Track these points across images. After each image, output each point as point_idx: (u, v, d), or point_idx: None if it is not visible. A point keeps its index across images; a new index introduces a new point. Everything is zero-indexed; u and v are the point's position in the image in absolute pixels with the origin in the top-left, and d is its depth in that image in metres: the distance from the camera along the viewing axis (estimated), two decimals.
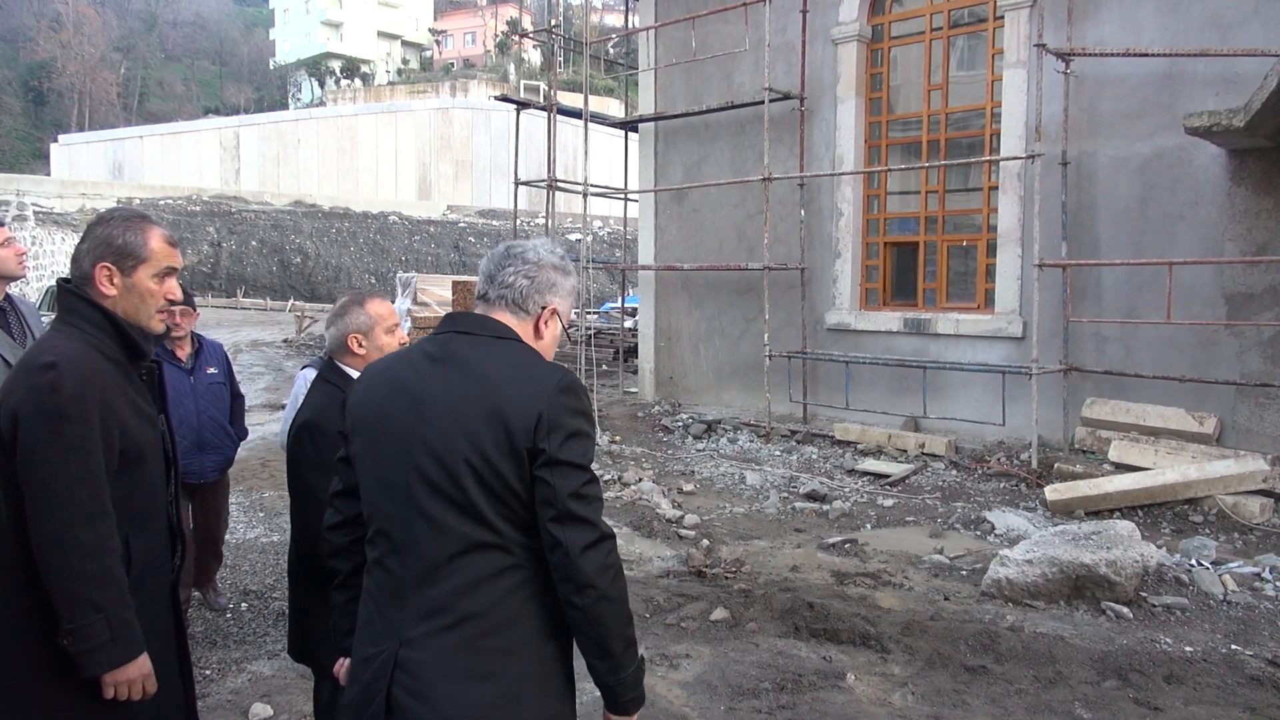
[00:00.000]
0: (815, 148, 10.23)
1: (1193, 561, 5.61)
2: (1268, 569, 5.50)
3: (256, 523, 6.73)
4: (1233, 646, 4.46)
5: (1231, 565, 5.61)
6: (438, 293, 18.77)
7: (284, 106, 67.31)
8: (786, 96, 10.07)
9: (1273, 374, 7.35)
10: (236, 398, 4.85)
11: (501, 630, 1.70)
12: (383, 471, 1.77)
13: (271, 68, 75.79)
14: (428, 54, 75.35)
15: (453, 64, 70.35)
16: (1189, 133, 7.05)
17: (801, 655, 4.39)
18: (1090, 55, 8.02)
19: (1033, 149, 8.05)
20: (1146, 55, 7.76)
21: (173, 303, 2.24)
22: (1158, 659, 4.24)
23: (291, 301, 32.82)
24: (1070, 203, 8.30)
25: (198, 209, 35.55)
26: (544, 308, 1.86)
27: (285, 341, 20.62)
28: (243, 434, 4.91)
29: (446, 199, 44.07)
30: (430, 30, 75.76)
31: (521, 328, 1.85)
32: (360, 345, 2.80)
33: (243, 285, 34.26)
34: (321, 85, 68.34)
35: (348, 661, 1.95)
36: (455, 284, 19.42)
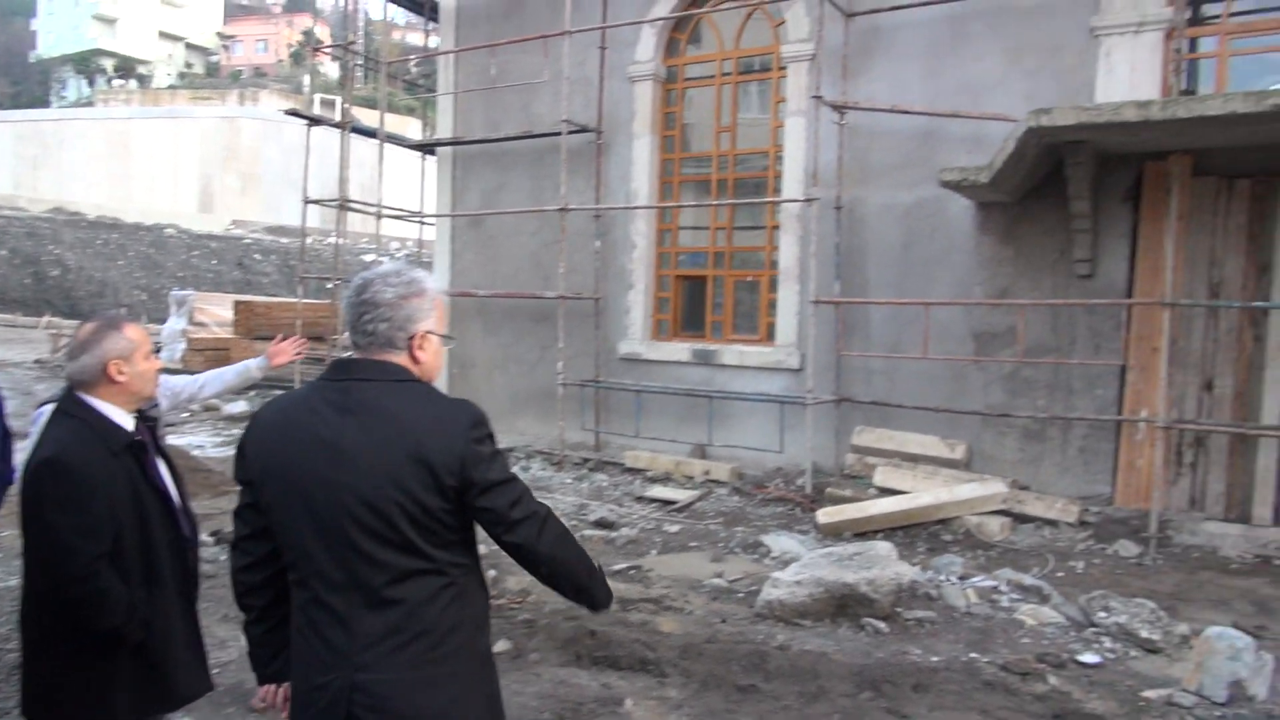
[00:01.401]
0: (611, 181, 10.48)
1: (942, 577, 6.12)
2: (1003, 582, 6.08)
3: None
4: (971, 655, 4.91)
5: (974, 580, 6.16)
6: (217, 313, 17.72)
7: (46, 104, 61.56)
8: (584, 129, 10.27)
9: (1011, 405, 8.17)
10: (6, 435, 4.10)
11: (444, 640, 1.92)
12: (313, 518, 1.89)
13: (32, 60, 69.19)
14: (215, 59, 71.19)
15: (242, 71, 66.83)
16: (943, 185, 7.76)
17: (582, 683, 4.45)
18: (861, 109, 8.69)
19: (810, 193, 8.61)
20: (909, 113, 8.48)
21: None
22: (907, 669, 4.60)
23: (46, 318, 29.89)
24: (843, 244, 8.92)
25: None
26: (411, 337, 1.98)
27: (37, 362, 18.76)
28: (9, 478, 3.83)
29: (232, 212, 41.65)
30: (218, 35, 71.68)
31: (403, 360, 1.98)
32: (121, 372, 2.61)
33: None
34: (91, 84, 63.06)
35: (274, 687, 2.13)
36: (237, 304, 18.43)
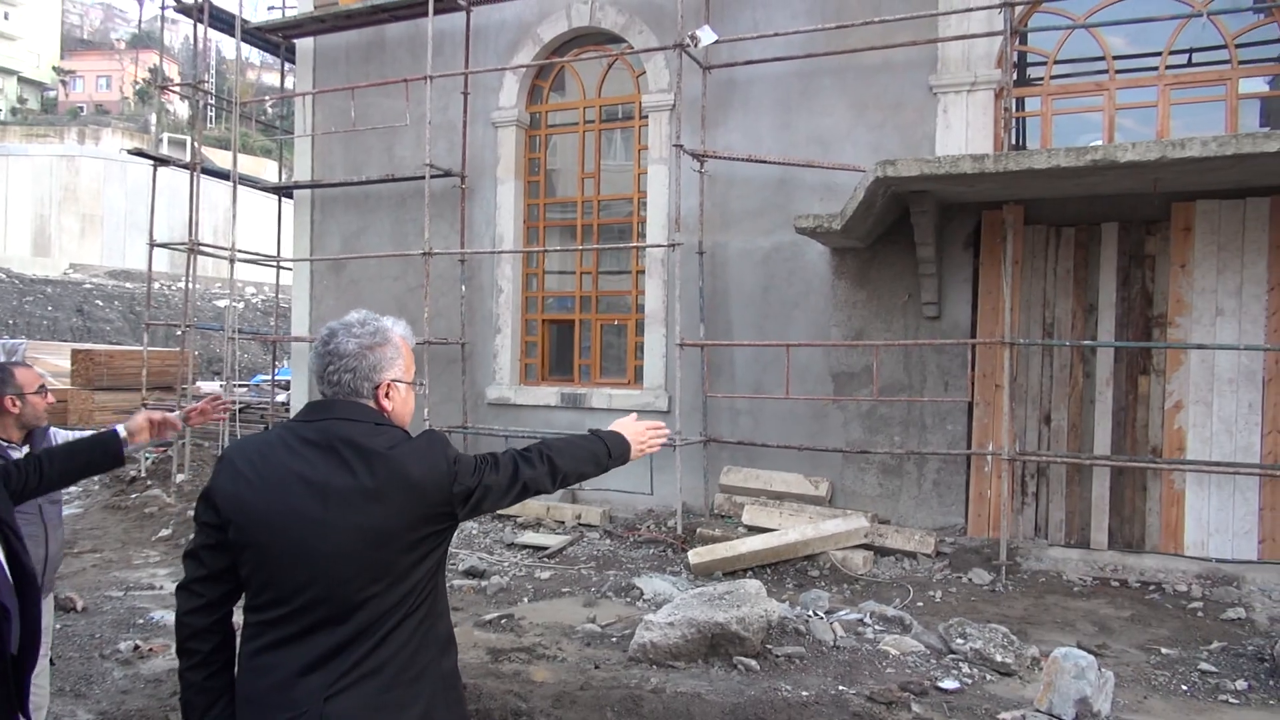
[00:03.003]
0: (476, 225, 10.43)
1: (810, 612, 6.26)
2: (868, 614, 6.27)
3: None
4: (840, 687, 5.03)
5: (840, 613, 6.33)
6: (53, 363, 16.61)
7: None
8: (448, 174, 10.21)
9: (870, 442, 8.49)
10: None
11: (412, 663, 1.98)
12: (298, 557, 1.91)
13: None
14: (51, 94, 67.31)
15: (81, 108, 63.38)
16: (799, 232, 8.06)
17: None
18: (720, 158, 8.97)
19: (674, 238, 8.79)
20: (765, 162, 8.81)
21: None
22: (779, 706, 4.67)
23: None
24: (706, 288, 9.13)
25: None
26: (377, 387, 2.06)
27: None
28: None
29: (70, 256, 39.23)
30: (55, 69, 67.89)
31: (371, 406, 2.06)
32: (15, 404, 2.66)
33: None
34: None
35: None
36: (75, 353, 17.30)
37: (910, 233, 7.92)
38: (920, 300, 8.29)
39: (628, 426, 2.49)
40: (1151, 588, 7.13)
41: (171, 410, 3.41)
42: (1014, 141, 8.35)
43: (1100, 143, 7.70)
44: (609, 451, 2.41)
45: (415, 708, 1.98)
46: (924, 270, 8.10)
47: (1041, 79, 8.38)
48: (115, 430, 3.12)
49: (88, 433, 3.41)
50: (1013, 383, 7.70)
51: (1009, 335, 7.57)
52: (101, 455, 3.07)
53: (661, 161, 9.42)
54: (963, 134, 8.23)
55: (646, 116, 9.67)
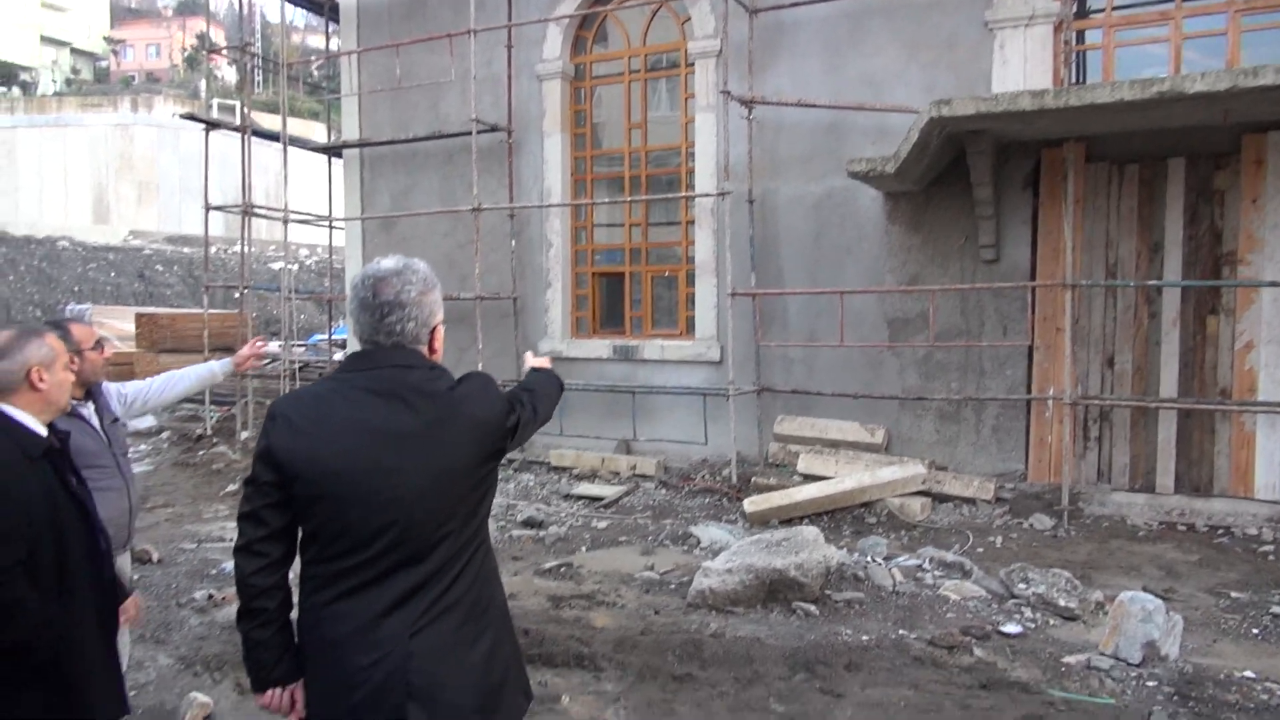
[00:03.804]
0: (524, 180, 10.41)
1: (868, 559, 6.25)
2: (927, 560, 6.24)
3: None
4: (900, 632, 5.02)
5: (899, 559, 6.31)
6: (118, 326, 17.05)
7: None
8: (494, 128, 10.18)
9: (926, 388, 8.39)
10: None
11: (481, 597, 2.09)
12: (371, 504, 1.95)
13: None
14: (103, 64, 68.31)
15: (133, 77, 64.27)
16: (851, 176, 7.92)
17: None
18: (768, 104, 8.81)
19: (723, 187, 8.68)
20: (815, 106, 8.63)
21: None
22: (839, 649, 4.68)
23: None
24: (757, 236, 9.03)
25: None
26: (432, 330, 2.13)
27: None
28: None
29: (129, 223, 40.03)
30: (106, 39, 68.81)
31: (423, 351, 2.12)
32: (42, 379, 2.52)
33: None
34: None
35: (280, 690, 2.11)
36: (139, 317, 17.72)
37: (966, 174, 7.73)
38: (977, 243, 8.11)
39: (537, 362, 2.71)
40: (1220, 531, 6.98)
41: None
42: (1074, 77, 8.08)
43: (1166, 74, 7.41)
44: (559, 382, 2.64)
45: (486, 638, 2.09)
46: (981, 212, 7.91)
47: (1103, 10, 8.06)
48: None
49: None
50: (1074, 325, 7.53)
51: (1070, 277, 7.39)
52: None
53: (709, 109, 9.28)
54: (1020, 70, 7.96)
55: (692, 64, 9.52)
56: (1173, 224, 7.52)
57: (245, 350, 4.05)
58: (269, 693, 2.13)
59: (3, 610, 2.27)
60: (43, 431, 2.52)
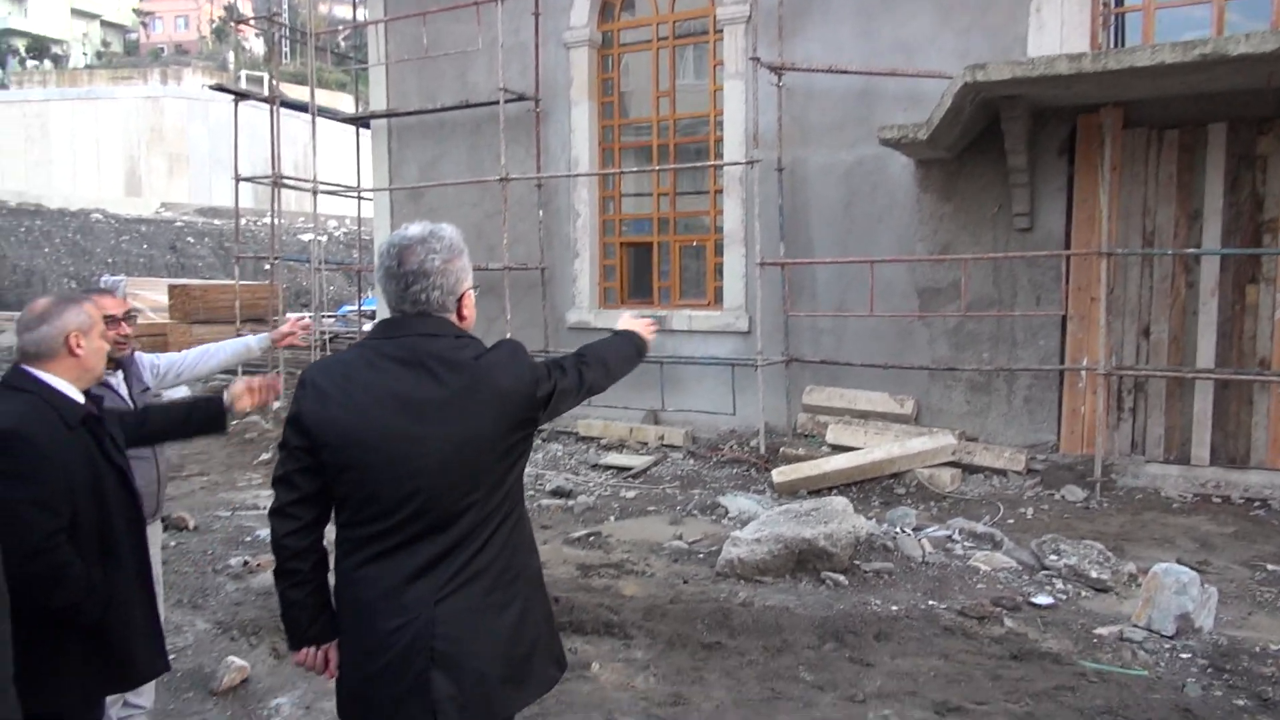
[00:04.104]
0: (551, 149, 10.36)
1: (897, 529, 6.23)
2: (956, 531, 6.21)
3: None
4: (930, 602, 5.01)
5: (928, 530, 6.28)
6: (152, 298, 17.24)
7: None
8: (521, 98, 10.12)
9: (957, 359, 8.30)
10: None
11: (510, 565, 2.07)
12: (396, 472, 1.96)
13: None
14: (133, 37, 68.64)
15: (162, 49, 64.54)
16: (883, 143, 7.81)
17: None
18: (798, 70, 8.68)
19: (752, 155, 8.60)
20: (846, 72, 8.50)
21: None
22: (869, 619, 4.68)
23: None
24: (786, 205, 8.94)
25: None
26: (460, 298, 2.09)
27: None
28: None
29: (160, 195, 40.35)
30: (135, 11, 69.09)
31: (450, 319, 2.09)
32: (80, 345, 2.53)
33: None
34: (3, 66, 60.46)
35: (314, 650, 2.14)
36: (172, 289, 17.90)
37: (1000, 141, 7.60)
38: (1011, 211, 7.99)
39: (632, 323, 2.54)
40: (1256, 504, 6.89)
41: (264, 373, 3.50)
42: (1112, 40, 7.89)
43: (1209, 36, 7.22)
44: (639, 346, 2.50)
45: (514, 606, 2.07)
46: (1015, 180, 7.78)
47: None
48: (219, 397, 3.08)
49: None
50: (1109, 295, 7.41)
51: (1106, 245, 7.27)
52: (203, 417, 3.06)
53: (737, 76, 9.17)
54: (1057, 34, 7.79)
55: (721, 30, 9.40)
56: (1212, 191, 7.35)
57: (286, 327, 4.04)
58: (304, 651, 2.16)
59: (50, 575, 2.32)
60: (80, 399, 2.55)
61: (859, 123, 8.58)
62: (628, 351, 2.46)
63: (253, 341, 3.95)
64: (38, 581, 2.31)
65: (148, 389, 3.63)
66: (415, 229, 2.09)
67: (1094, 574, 5.28)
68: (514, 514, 2.11)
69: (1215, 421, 7.38)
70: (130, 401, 3.43)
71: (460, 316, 2.11)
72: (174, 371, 3.76)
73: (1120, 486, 7.32)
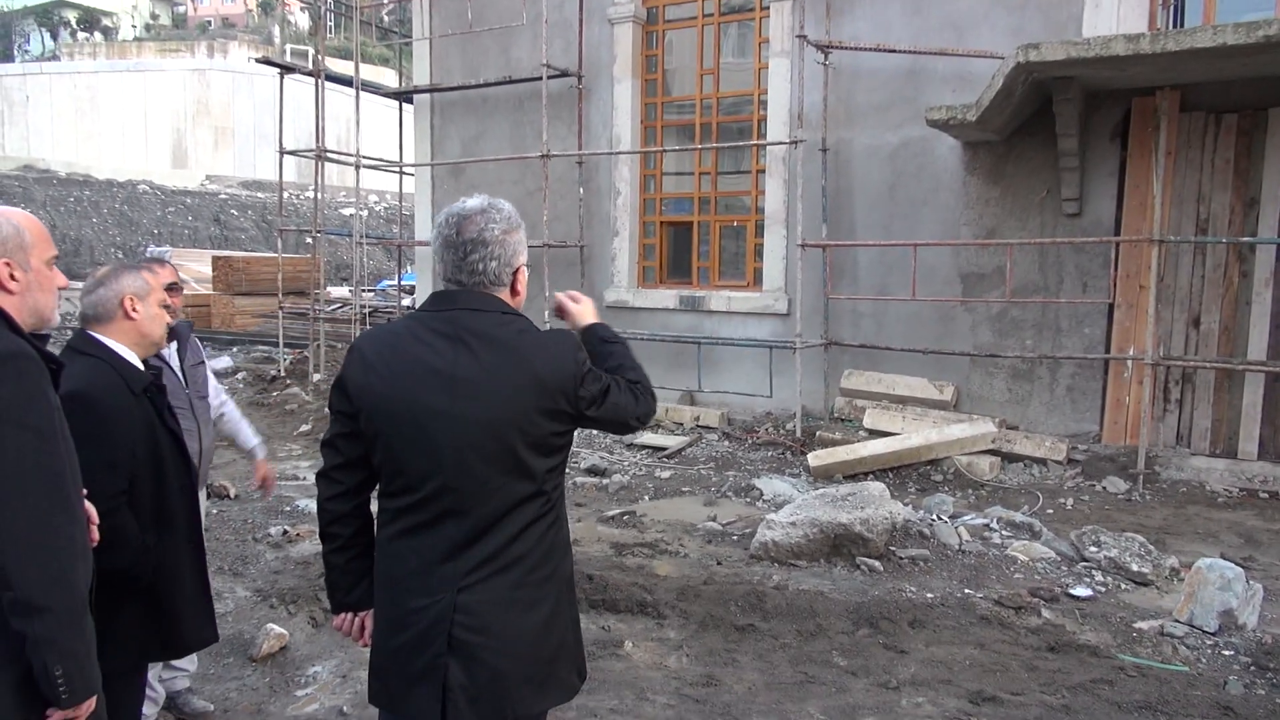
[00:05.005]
0: (593, 126, 10.32)
1: (934, 516, 6.16)
2: (994, 519, 6.13)
3: None
4: (966, 590, 4.96)
5: (966, 518, 6.21)
6: (196, 269, 17.51)
7: (9, 59, 59.95)
8: (564, 74, 10.08)
9: (1000, 345, 8.18)
10: None
11: (542, 564, 2.01)
12: (427, 446, 1.93)
13: None
14: (180, 10, 69.31)
15: (209, 22, 65.18)
16: (930, 125, 7.68)
17: (582, 627, 4.46)
18: (845, 49, 8.55)
19: (796, 135, 8.50)
20: (894, 51, 8.36)
21: None
22: (904, 606, 4.64)
23: None
24: (829, 187, 8.84)
25: None
26: (515, 272, 2.05)
27: None
28: None
29: (205, 168, 40.88)
30: None
31: (502, 294, 2.04)
32: (135, 309, 2.59)
33: None
34: (54, 37, 61.40)
35: (351, 616, 2.16)
36: (216, 260, 18.18)
37: (1051, 124, 7.44)
38: (1060, 196, 7.83)
39: (589, 313, 2.31)
40: None
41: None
42: (1171, 21, 7.68)
43: (1273, 16, 6.99)
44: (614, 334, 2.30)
45: (544, 607, 2.01)
46: (1065, 164, 7.62)
47: None
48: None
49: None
50: (1159, 283, 7.25)
51: (1158, 232, 7.10)
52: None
53: (783, 55, 9.06)
54: (1113, 13, 7.59)
55: (767, 7, 9.28)
56: (1271, 178, 7.15)
57: (259, 476, 4.16)
58: (341, 616, 2.17)
59: (107, 537, 2.36)
60: (141, 366, 2.60)
61: (906, 103, 8.45)
62: (631, 358, 2.25)
63: (258, 451, 4.14)
64: (95, 543, 2.36)
65: (202, 362, 3.70)
66: (474, 201, 2.07)
67: (1134, 567, 5.20)
68: (552, 513, 2.04)
69: (1265, 415, 7.21)
70: (180, 373, 3.48)
71: (514, 292, 2.07)
72: (217, 401, 3.89)
73: (1163, 479, 7.18)
